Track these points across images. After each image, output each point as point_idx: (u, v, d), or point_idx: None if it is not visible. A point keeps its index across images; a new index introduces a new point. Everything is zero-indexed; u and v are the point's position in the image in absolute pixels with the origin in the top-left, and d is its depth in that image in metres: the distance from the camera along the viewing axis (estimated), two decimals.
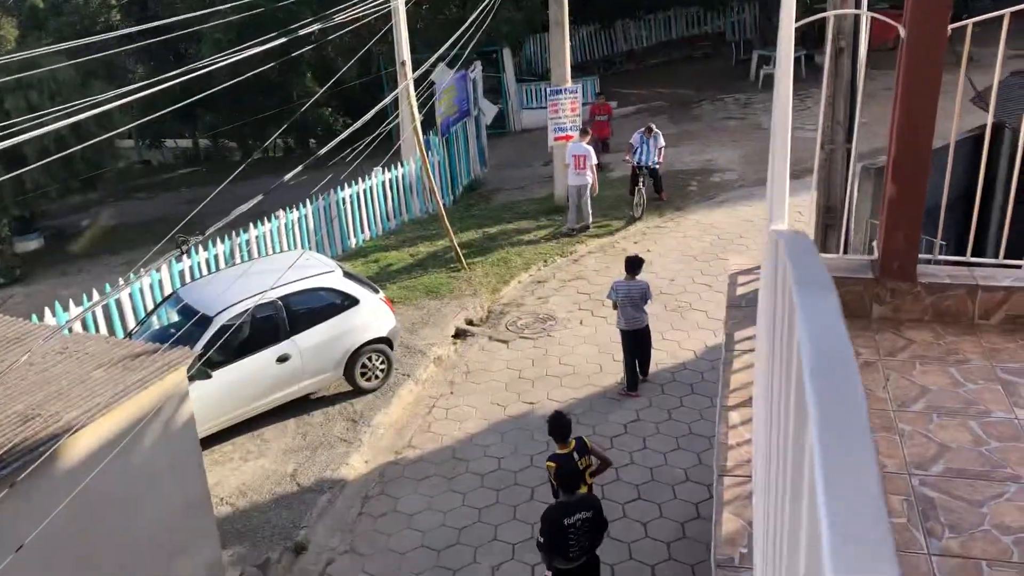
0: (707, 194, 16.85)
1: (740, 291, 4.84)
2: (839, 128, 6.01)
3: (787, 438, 1.03)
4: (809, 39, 21.75)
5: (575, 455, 7.12)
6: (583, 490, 7.17)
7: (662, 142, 15.79)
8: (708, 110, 23.16)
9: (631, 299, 10.12)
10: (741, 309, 4.58)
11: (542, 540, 6.43)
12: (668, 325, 11.88)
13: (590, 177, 14.87)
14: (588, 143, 15.28)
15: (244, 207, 5.40)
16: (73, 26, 22.61)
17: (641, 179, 15.53)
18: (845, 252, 6.14)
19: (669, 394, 10.48)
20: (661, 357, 11.07)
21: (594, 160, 14.99)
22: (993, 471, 3.10)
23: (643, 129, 15.78)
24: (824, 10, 6.14)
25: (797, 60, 17.44)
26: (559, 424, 7.19)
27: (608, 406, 10.37)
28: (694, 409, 10.14)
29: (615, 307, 10.26)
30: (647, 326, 10.41)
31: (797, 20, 3.34)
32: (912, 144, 3.52)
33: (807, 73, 20.98)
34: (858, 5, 6.11)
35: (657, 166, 15.76)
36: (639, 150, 15.54)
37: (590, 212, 15.22)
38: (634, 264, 10.17)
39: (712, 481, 8.88)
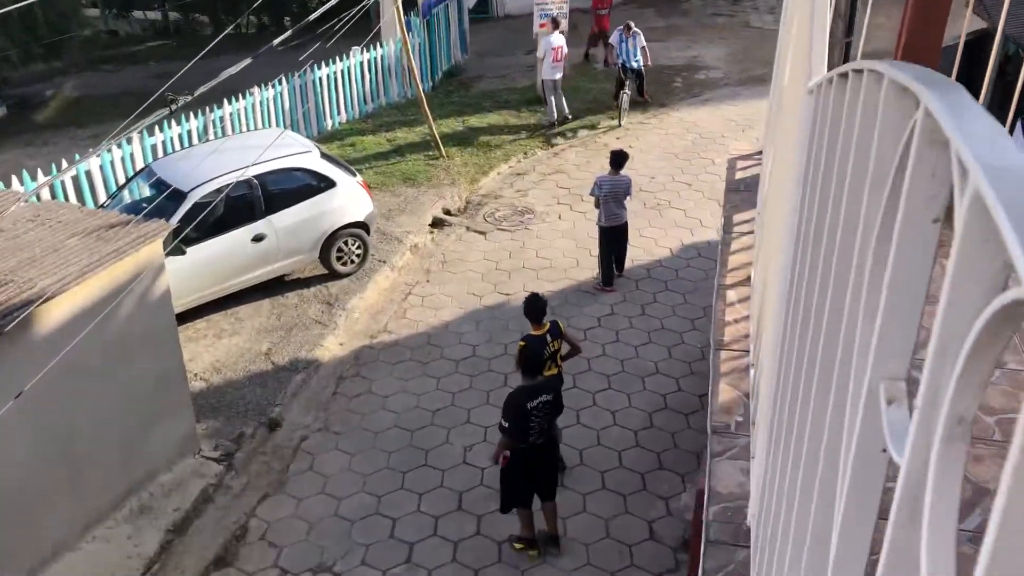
0: (691, 91, 16.62)
1: (739, 176, 4.80)
2: (839, 22, 5.87)
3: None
4: None
5: (548, 337, 7.29)
6: (552, 372, 7.40)
7: (643, 42, 15.00)
8: (697, 5, 22.62)
9: (615, 195, 10.05)
10: (740, 193, 4.55)
11: (506, 424, 6.53)
12: (646, 222, 11.89)
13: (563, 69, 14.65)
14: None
15: (233, 69, 5.20)
16: None
17: (627, 82, 14.92)
18: None
19: (643, 290, 10.57)
20: (637, 254, 11.11)
21: (566, 51, 14.70)
22: None
23: (622, 28, 15.07)
24: None
25: None
26: (535, 305, 7.32)
27: (583, 299, 10.45)
28: (667, 305, 10.26)
29: (597, 204, 10.15)
30: (626, 223, 10.39)
31: None
32: (923, 36, 3.43)
33: None
34: None
35: (642, 67, 15.13)
36: (620, 50, 14.92)
37: (565, 104, 15.00)
38: (619, 159, 10.06)
39: (680, 374, 9.11)
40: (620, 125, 14.91)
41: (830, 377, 1.22)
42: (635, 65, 14.94)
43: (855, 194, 1.17)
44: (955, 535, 0.67)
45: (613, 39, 15.19)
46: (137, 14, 26.88)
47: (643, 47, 14.99)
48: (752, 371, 2.87)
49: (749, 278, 3.61)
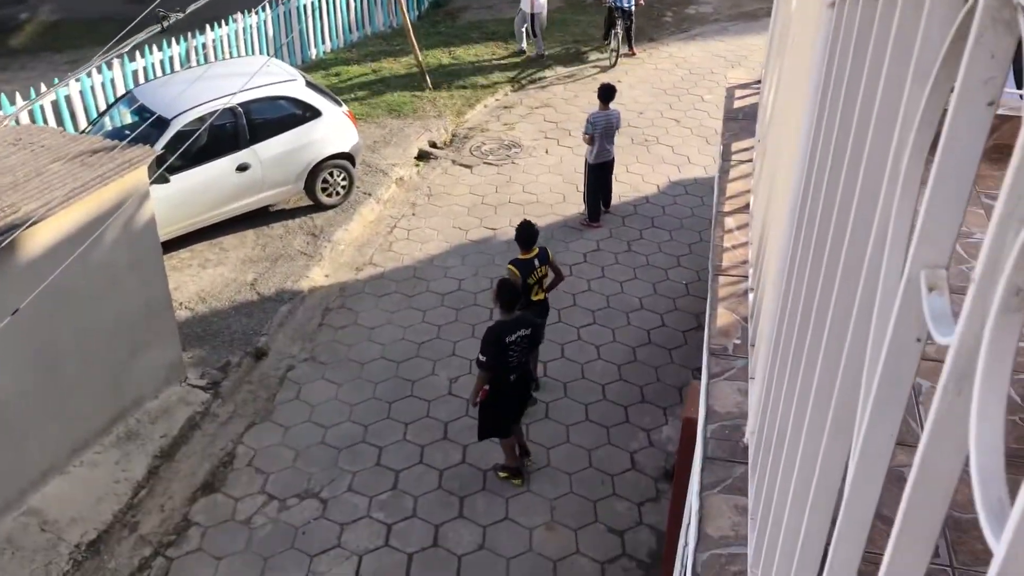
0: (681, 27, 16.41)
1: (737, 105, 4.77)
2: None
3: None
4: None
5: (535, 262, 7.47)
6: (540, 297, 7.60)
7: None
8: None
9: (607, 130, 9.97)
10: (738, 122, 4.53)
11: (484, 358, 6.60)
12: (633, 158, 11.83)
13: None
14: None
15: None
16: None
17: (618, 22, 14.25)
18: None
19: (630, 226, 10.57)
20: (624, 190, 11.09)
21: None
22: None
23: None
24: None
25: None
26: (528, 231, 7.45)
27: (570, 235, 10.45)
28: (653, 242, 10.28)
29: (591, 141, 10.03)
30: (613, 159, 10.34)
31: None
32: None
33: None
34: None
35: (633, 7, 14.34)
36: None
37: (527, 42, 14.84)
38: (608, 93, 9.95)
39: (664, 310, 9.17)
40: (613, 65, 14.46)
41: (857, 274, 1.23)
42: (626, 5, 14.24)
43: (891, 92, 1.18)
44: (1005, 405, 0.68)
45: None
46: None
47: None
48: (751, 295, 2.90)
49: (748, 206, 3.63)
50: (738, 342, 2.94)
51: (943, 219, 0.90)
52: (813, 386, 1.50)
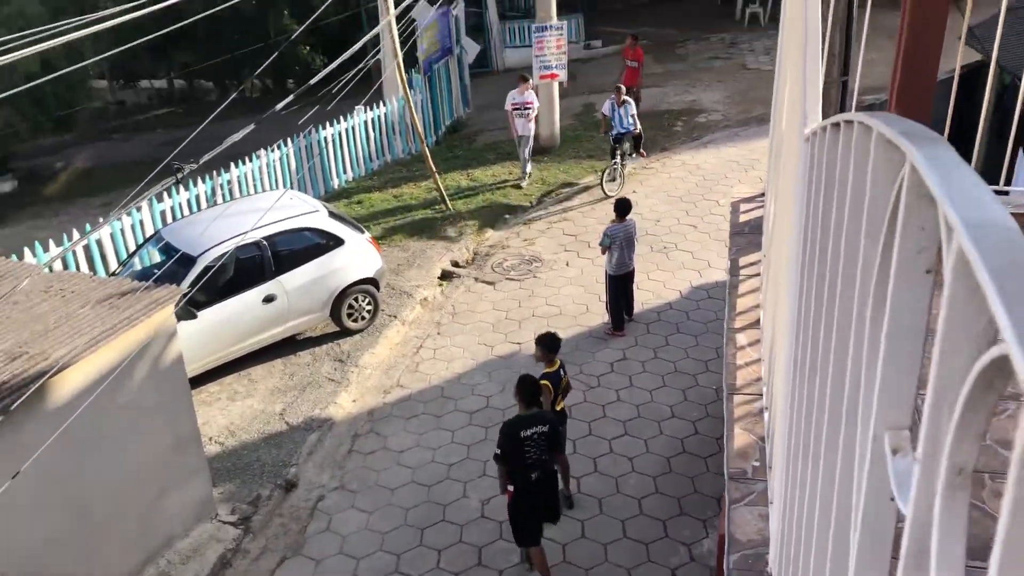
0: (692, 134, 16.76)
1: (743, 218, 4.82)
2: (835, 60, 5.93)
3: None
4: None
5: (561, 372, 7.71)
6: (561, 406, 7.78)
7: (634, 109, 14.12)
8: (693, 50, 22.91)
9: (626, 241, 10.10)
10: (744, 236, 4.57)
11: (499, 452, 6.67)
12: (653, 266, 11.91)
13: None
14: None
15: (237, 136, 5.30)
16: None
17: (619, 153, 14.07)
18: None
19: (655, 333, 10.55)
20: (646, 297, 11.13)
21: (536, 106, 14.65)
22: None
23: (612, 94, 14.19)
24: None
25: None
26: (554, 341, 7.72)
27: (595, 345, 10.43)
28: (679, 348, 10.23)
29: (606, 251, 10.16)
30: (633, 269, 10.44)
31: None
32: (918, 70, 3.48)
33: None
34: None
35: (633, 131, 14.22)
36: (613, 118, 14.05)
37: (528, 165, 15.01)
38: (624, 207, 10.15)
39: (696, 418, 9.04)
40: (609, 196, 13.65)
41: (838, 426, 1.22)
42: (622, 129, 14.05)
43: (852, 243, 1.19)
44: None
45: (605, 108, 14.40)
46: (143, 83, 27.39)
47: (633, 115, 14.13)
48: (766, 414, 2.86)
49: (758, 321, 3.62)
50: (756, 464, 2.88)
51: (899, 383, 0.90)
52: (815, 523, 1.46)
